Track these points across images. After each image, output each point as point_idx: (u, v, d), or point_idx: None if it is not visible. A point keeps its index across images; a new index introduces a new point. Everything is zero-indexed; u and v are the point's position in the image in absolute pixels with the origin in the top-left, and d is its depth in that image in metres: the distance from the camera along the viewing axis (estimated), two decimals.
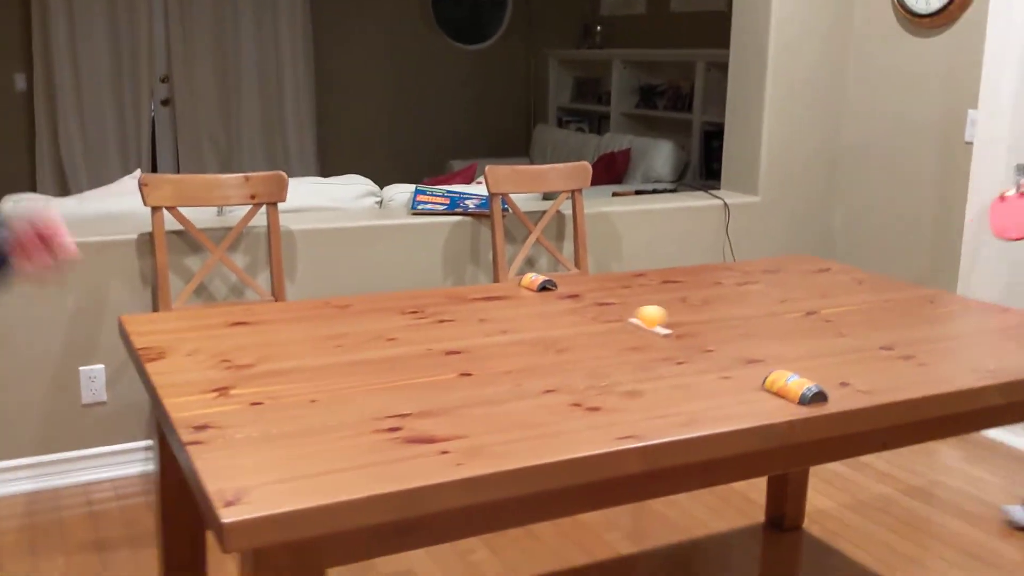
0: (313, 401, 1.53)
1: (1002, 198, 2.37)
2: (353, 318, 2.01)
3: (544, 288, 2.26)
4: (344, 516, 1.21)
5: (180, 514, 1.97)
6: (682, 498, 2.95)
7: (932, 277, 3.72)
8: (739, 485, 3.05)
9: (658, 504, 2.91)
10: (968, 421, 1.75)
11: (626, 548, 2.65)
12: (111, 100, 6.14)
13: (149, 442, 3.07)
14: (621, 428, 1.43)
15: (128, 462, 3.03)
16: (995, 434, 3.47)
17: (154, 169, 6.37)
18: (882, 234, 3.93)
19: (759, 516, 2.85)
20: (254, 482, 1.24)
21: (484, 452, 1.34)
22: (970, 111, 3.51)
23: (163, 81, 6.30)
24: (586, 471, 1.34)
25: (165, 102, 6.33)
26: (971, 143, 3.50)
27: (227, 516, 1.15)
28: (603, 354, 1.79)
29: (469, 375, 1.66)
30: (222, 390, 1.57)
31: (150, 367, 1.67)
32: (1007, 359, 1.80)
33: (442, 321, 2.00)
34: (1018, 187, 2.37)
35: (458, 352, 1.79)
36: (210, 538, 2.39)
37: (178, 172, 6.31)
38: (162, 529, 1.96)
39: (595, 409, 1.51)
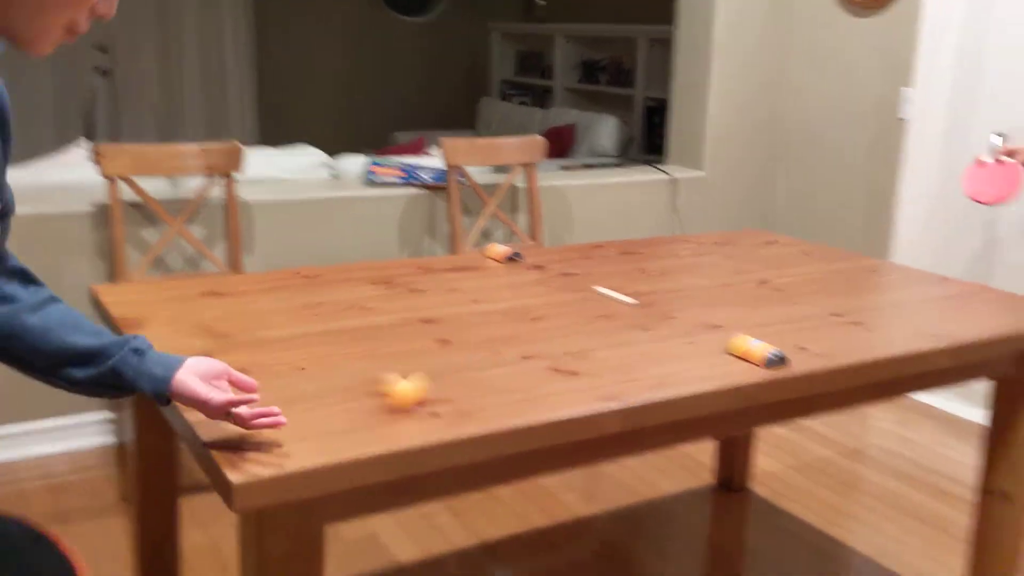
0: (299, 368, 1.58)
1: (979, 163, 2.52)
2: (325, 288, 2.05)
3: (511, 259, 2.33)
4: (345, 476, 1.26)
5: (156, 483, 2.00)
6: (634, 461, 3.06)
7: (865, 248, 3.88)
8: (688, 448, 3.18)
9: (611, 467, 3.02)
10: (914, 382, 1.87)
11: (583, 509, 2.75)
12: (47, 68, 5.97)
13: (108, 414, 3.06)
14: (600, 391, 1.51)
15: (85, 434, 3.02)
16: (925, 399, 3.66)
17: (90, 139, 6.23)
18: (820, 207, 4.08)
19: (708, 478, 2.98)
20: (255, 443, 1.28)
21: (473, 415, 1.40)
22: (904, 89, 3.66)
23: (102, 51, 6.15)
24: (570, 431, 1.42)
25: (104, 71, 6.19)
26: (905, 120, 3.66)
27: (235, 477, 1.19)
28: (574, 322, 1.86)
29: (448, 343, 1.72)
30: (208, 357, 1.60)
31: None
32: (950, 325, 1.93)
33: (414, 291, 2.05)
34: (993, 153, 2.53)
35: (434, 321, 1.85)
36: (186, 505, 2.39)
37: (117, 142, 6.18)
38: (138, 498, 1.98)
39: (573, 373, 1.58)
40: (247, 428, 1.28)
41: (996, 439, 2.12)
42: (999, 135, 2.58)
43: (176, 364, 1.30)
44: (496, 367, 1.61)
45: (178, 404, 1.34)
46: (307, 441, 1.30)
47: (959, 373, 1.94)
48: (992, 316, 2.00)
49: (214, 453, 1.25)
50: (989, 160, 2.55)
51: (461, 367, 1.60)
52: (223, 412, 1.27)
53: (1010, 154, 2.52)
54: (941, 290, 2.21)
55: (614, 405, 1.45)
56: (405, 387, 1.38)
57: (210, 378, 1.31)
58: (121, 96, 6.22)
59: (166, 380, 1.28)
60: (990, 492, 2.15)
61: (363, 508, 1.35)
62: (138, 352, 1.30)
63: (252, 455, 1.25)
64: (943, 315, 2.00)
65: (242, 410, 1.27)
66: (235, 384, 1.34)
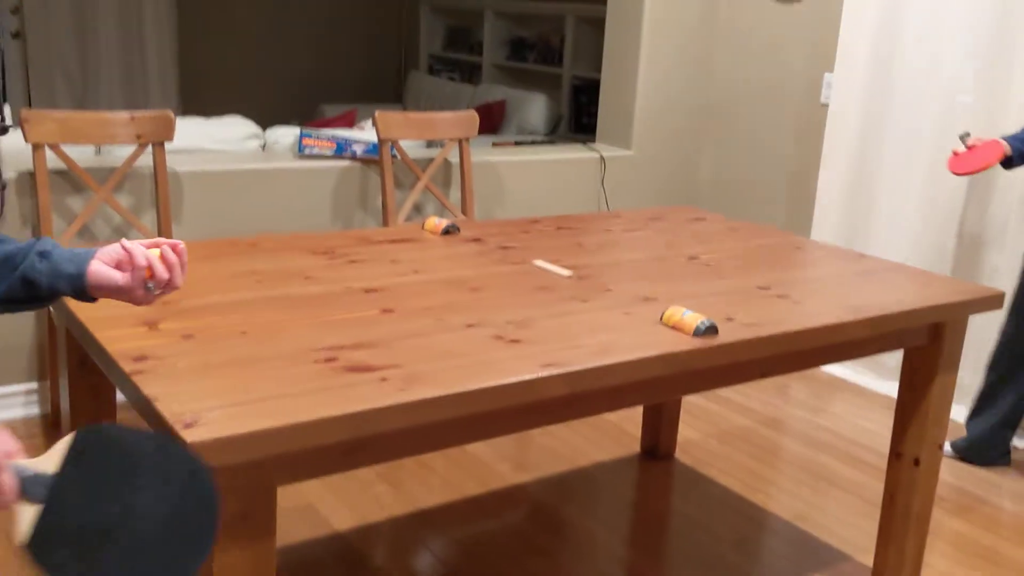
0: (244, 333, 1.59)
1: (955, 153, 2.91)
2: (265, 255, 2.05)
3: (447, 231, 2.36)
4: (298, 437, 1.29)
5: None
6: (564, 431, 3.14)
7: (786, 227, 4.03)
8: (615, 419, 3.27)
9: (542, 437, 3.09)
10: (835, 352, 1.98)
11: (516, 477, 2.81)
12: None
13: (32, 384, 2.99)
14: (543, 357, 1.56)
15: (8, 406, 2.95)
16: (838, 372, 3.83)
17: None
18: (743, 187, 4.21)
19: (635, 446, 3.07)
20: (207, 406, 1.30)
21: (421, 379, 1.44)
22: (826, 74, 3.80)
23: (13, 12, 5.93)
24: (517, 394, 1.47)
25: (15, 34, 5.96)
26: (826, 104, 3.80)
27: (189, 436, 1.21)
28: (514, 292, 1.91)
29: (391, 311, 1.75)
30: (151, 324, 1.61)
31: (72, 303, 1.68)
32: (869, 297, 2.04)
33: (354, 261, 2.07)
34: (965, 145, 2.90)
35: (376, 290, 1.87)
36: None
37: (29, 108, 5.98)
38: None
39: (516, 341, 1.63)
40: (169, 287, 1.27)
41: (907, 407, 2.25)
42: (964, 136, 2.92)
43: (87, 256, 1.26)
44: (441, 333, 1.65)
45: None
46: (259, 402, 1.32)
47: (876, 343, 2.05)
48: (906, 290, 2.12)
49: (166, 414, 1.26)
50: (963, 150, 2.91)
51: (406, 334, 1.64)
52: (142, 290, 1.25)
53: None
54: (859, 266, 2.33)
55: (558, 370, 1.51)
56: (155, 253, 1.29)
57: (121, 260, 1.26)
58: (32, 60, 6.01)
59: (81, 275, 1.24)
60: (900, 457, 2.28)
61: (314, 469, 1.38)
62: (44, 255, 1.24)
63: (205, 416, 1.26)
64: (862, 289, 2.11)
65: (160, 272, 1.25)
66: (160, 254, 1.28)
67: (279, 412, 1.29)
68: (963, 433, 3.14)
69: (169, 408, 1.29)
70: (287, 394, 1.36)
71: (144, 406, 1.33)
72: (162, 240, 1.30)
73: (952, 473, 3.01)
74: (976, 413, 3.08)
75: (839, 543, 2.57)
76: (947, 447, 3.14)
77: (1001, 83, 3.25)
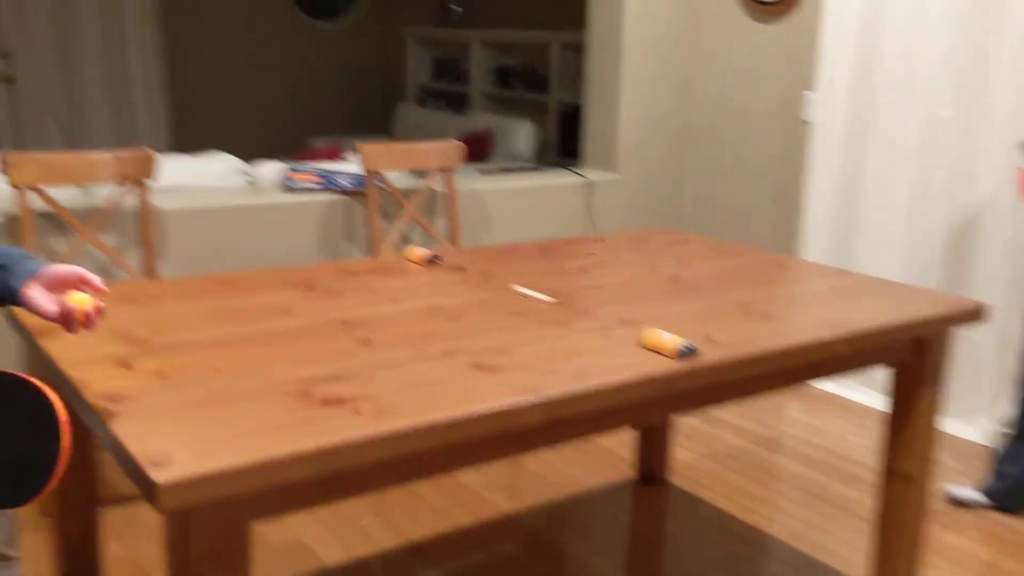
0: (218, 370, 1.58)
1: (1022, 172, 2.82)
2: (244, 293, 2.05)
3: (431, 262, 2.36)
4: (270, 473, 1.28)
5: (74, 495, 1.97)
6: (556, 458, 3.12)
7: (774, 246, 4.03)
8: (608, 444, 3.25)
9: (534, 464, 3.07)
10: (818, 369, 1.97)
11: (508, 506, 2.79)
12: None
13: None
14: (520, 384, 1.55)
15: None
16: (831, 388, 3.82)
17: None
18: (729, 207, 4.21)
19: (628, 471, 3.05)
20: (177, 444, 1.29)
21: (395, 410, 1.43)
22: (807, 92, 3.82)
23: (2, 56, 5.97)
24: (493, 423, 1.46)
25: (6, 79, 6.00)
26: (809, 122, 3.81)
27: (159, 476, 1.20)
28: (493, 319, 1.91)
29: (369, 342, 1.75)
30: (125, 363, 1.60)
31: (47, 344, 1.67)
32: (849, 314, 2.03)
33: (333, 294, 2.07)
34: None
35: (354, 322, 1.87)
36: (103, 517, 2.34)
37: (19, 150, 6.00)
38: (58, 511, 1.95)
39: (493, 368, 1.63)
40: (85, 327, 1.41)
41: (895, 423, 2.24)
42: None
43: (29, 273, 1.40)
44: (417, 363, 1.64)
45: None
46: (230, 439, 1.31)
47: (859, 360, 2.04)
48: (888, 306, 2.12)
49: (136, 454, 1.25)
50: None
51: (383, 364, 1.63)
52: (63, 321, 1.39)
53: None
54: (840, 282, 2.33)
55: (534, 397, 1.50)
56: (80, 297, 1.44)
57: (59, 284, 1.41)
58: (24, 104, 6.04)
59: (14, 291, 1.40)
60: (891, 474, 2.27)
61: (288, 505, 1.36)
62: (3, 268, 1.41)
63: (176, 455, 1.26)
64: (843, 306, 2.11)
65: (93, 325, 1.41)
66: (87, 284, 1.45)
67: (250, 448, 1.28)
68: (955, 446, 3.10)
69: (139, 447, 1.28)
70: (259, 430, 1.35)
71: (115, 446, 1.32)
72: (90, 279, 1.45)
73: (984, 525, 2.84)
74: (1014, 450, 2.75)
75: (835, 561, 2.54)
76: (973, 493, 2.83)
77: (979, 97, 3.27)
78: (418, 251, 2.37)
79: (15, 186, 2.72)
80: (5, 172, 2.70)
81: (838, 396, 3.77)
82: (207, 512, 1.28)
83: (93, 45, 6.20)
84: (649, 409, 1.71)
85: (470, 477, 2.96)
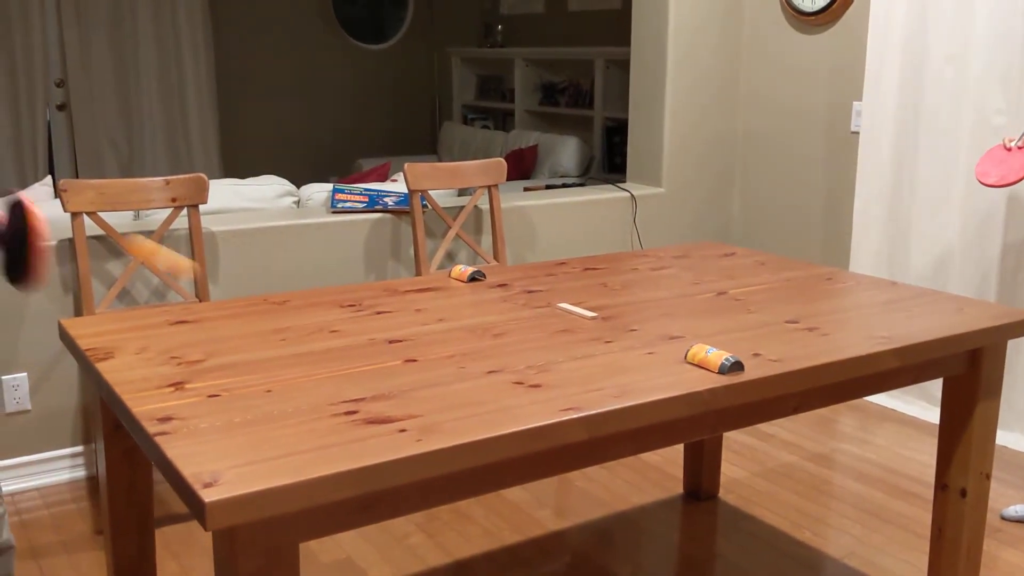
0: (268, 391, 1.61)
1: (1006, 147, 2.55)
2: (292, 312, 2.08)
3: (473, 279, 2.37)
4: (316, 492, 1.29)
5: (128, 514, 2.01)
6: (604, 475, 3.10)
7: (824, 257, 3.97)
8: (657, 461, 3.22)
9: (582, 482, 3.06)
10: (868, 384, 1.94)
11: (555, 524, 2.78)
12: (4, 106, 5.96)
13: (77, 448, 3.05)
14: (563, 401, 1.55)
15: (55, 470, 3.01)
16: (886, 402, 3.75)
17: (51, 175, 6.21)
18: (777, 219, 4.17)
19: (677, 488, 3.03)
20: (226, 465, 1.31)
21: (439, 428, 1.44)
22: (855, 103, 3.77)
23: (58, 85, 6.15)
24: (535, 441, 1.46)
25: (61, 107, 6.18)
26: (857, 132, 3.76)
27: (208, 496, 1.22)
28: (537, 336, 1.91)
29: (414, 361, 1.76)
30: (177, 384, 1.63)
31: (101, 367, 1.71)
32: (898, 327, 2.00)
33: (380, 313, 2.09)
34: (1006, 145, 2.59)
35: (400, 340, 1.89)
36: (159, 536, 2.40)
37: (77, 177, 6.17)
38: (111, 530, 1.99)
39: (536, 386, 1.63)
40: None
41: (948, 436, 2.19)
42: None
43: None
44: (461, 382, 1.65)
45: (151, 427, 1.37)
46: (277, 459, 1.33)
47: (910, 373, 2.01)
48: (939, 317, 2.08)
49: (186, 474, 1.28)
50: (1014, 144, 2.57)
51: (427, 383, 1.64)
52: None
53: None
54: (891, 295, 2.29)
55: (576, 414, 1.50)
56: (143, 243, 1.48)
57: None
58: (79, 131, 6.21)
59: None
60: (945, 488, 2.22)
61: (334, 524, 1.38)
62: None
63: (224, 475, 1.28)
64: (892, 318, 2.07)
65: None
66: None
67: (296, 469, 1.30)
68: (1013, 461, 3.03)
69: (189, 468, 1.30)
70: (304, 451, 1.36)
71: (166, 466, 1.35)
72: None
73: None
74: None
75: None
76: None
77: None
78: (462, 269, 2.39)
79: (70, 212, 2.80)
80: (61, 199, 2.78)
81: (893, 410, 3.70)
82: (255, 531, 1.30)
83: (148, 72, 6.36)
84: (694, 425, 1.70)
85: (518, 496, 2.96)
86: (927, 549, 2.64)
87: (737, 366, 1.71)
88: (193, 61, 6.47)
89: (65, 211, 2.80)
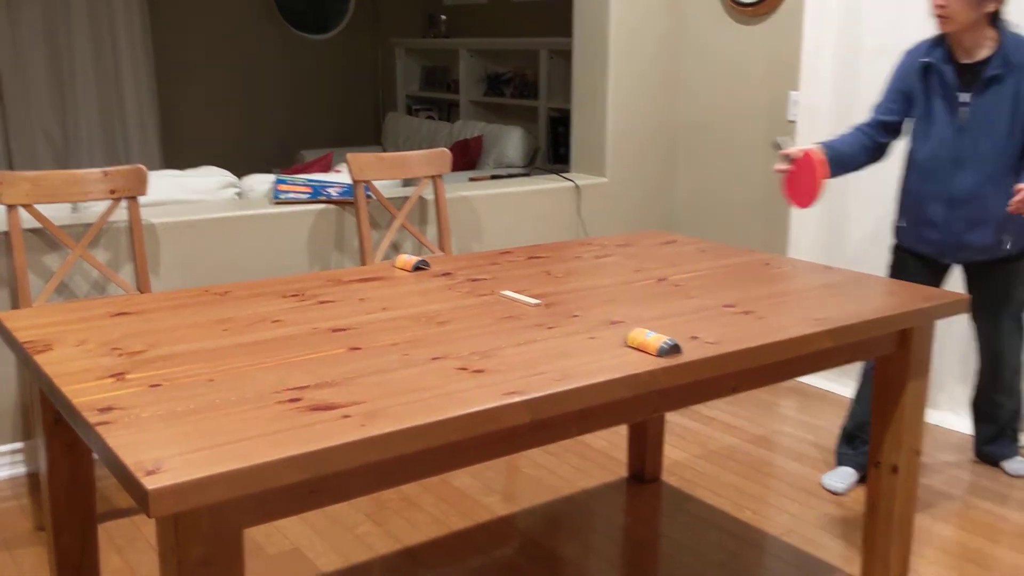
0: (211, 380, 1.61)
1: (788, 172, 2.56)
2: (235, 303, 2.07)
3: (418, 268, 2.38)
4: (260, 478, 1.30)
5: (71, 509, 1.99)
6: (550, 461, 3.14)
7: (764, 244, 4.06)
8: (601, 445, 3.27)
9: (529, 468, 3.09)
10: (803, 364, 2.00)
11: (503, 509, 2.81)
12: None
13: (16, 444, 3.00)
14: (506, 385, 1.58)
15: None
16: (824, 384, 3.84)
17: None
18: (719, 207, 4.25)
19: (621, 471, 3.08)
20: (169, 452, 1.31)
21: (383, 414, 1.46)
22: (792, 92, 3.85)
23: None
24: (479, 424, 1.48)
25: None
26: (794, 121, 3.85)
27: (151, 483, 1.22)
28: (480, 323, 1.93)
29: (358, 349, 1.77)
30: (119, 375, 1.62)
31: (40, 359, 1.69)
32: (833, 309, 2.06)
33: (323, 302, 2.09)
34: (786, 155, 2.59)
35: (344, 329, 1.89)
36: (102, 531, 2.37)
37: (10, 169, 6.02)
38: (53, 526, 1.97)
39: (480, 371, 1.65)
40: None
41: (880, 415, 2.27)
42: (779, 144, 2.58)
43: None
44: (405, 368, 1.66)
45: (91, 420, 1.36)
46: (220, 447, 1.33)
47: (844, 354, 2.07)
48: (871, 300, 2.15)
49: (129, 463, 1.28)
50: (786, 165, 2.60)
51: (371, 371, 1.65)
52: None
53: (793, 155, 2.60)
54: (827, 279, 2.36)
55: (519, 398, 1.53)
56: None
57: None
58: (12, 123, 6.07)
59: None
60: (878, 465, 2.29)
61: (279, 510, 1.39)
62: None
63: (167, 463, 1.28)
64: (827, 301, 2.14)
65: None
66: None
67: (239, 455, 1.31)
68: (951, 439, 3.13)
69: (131, 457, 1.30)
70: (249, 437, 1.37)
71: (108, 456, 1.35)
72: None
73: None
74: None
75: (828, 556, 2.57)
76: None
77: None
78: (406, 259, 2.40)
79: (6, 204, 2.74)
80: None
81: (829, 392, 3.79)
82: (199, 518, 1.30)
83: (83, 62, 6.23)
84: (635, 406, 1.74)
85: (465, 482, 2.99)
86: (861, 524, 2.73)
87: (675, 349, 1.75)
88: (130, 50, 6.35)
89: (0, 203, 2.74)
